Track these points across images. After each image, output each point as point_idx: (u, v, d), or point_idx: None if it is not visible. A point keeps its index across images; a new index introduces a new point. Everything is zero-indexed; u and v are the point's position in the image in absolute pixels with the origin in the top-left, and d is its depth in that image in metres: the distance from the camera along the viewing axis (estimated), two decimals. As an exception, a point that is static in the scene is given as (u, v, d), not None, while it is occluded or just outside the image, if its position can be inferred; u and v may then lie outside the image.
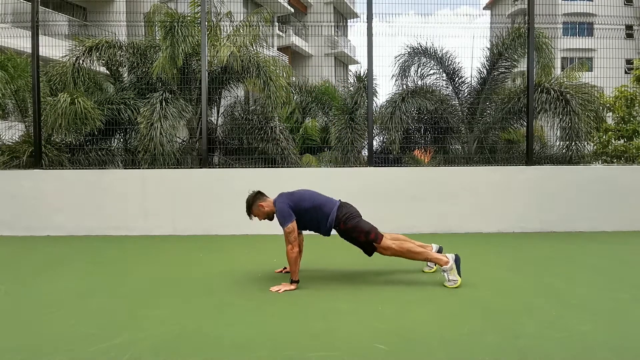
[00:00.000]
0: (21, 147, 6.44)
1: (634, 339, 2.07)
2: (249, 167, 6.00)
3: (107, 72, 7.41)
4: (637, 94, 8.67)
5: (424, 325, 2.26)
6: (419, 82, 7.64)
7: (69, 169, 6.02)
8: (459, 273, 2.98)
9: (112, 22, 9.70)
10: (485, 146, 7.13)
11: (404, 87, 7.53)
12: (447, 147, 7.26)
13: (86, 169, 5.98)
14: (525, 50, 6.35)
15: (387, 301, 2.67)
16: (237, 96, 7.78)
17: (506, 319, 2.34)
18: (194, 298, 2.78)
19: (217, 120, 7.44)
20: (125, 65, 7.43)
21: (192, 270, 3.56)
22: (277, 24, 18.33)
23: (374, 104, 6.36)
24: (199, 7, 6.37)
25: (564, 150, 6.66)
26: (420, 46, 7.52)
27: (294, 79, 8.84)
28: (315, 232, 3.16)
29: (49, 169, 5.85)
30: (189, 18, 6.66)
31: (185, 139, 7.16)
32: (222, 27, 7.49)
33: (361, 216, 3.13)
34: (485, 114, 7.50)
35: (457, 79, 7.58)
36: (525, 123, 6.14)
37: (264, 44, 7.64)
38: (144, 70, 7.13)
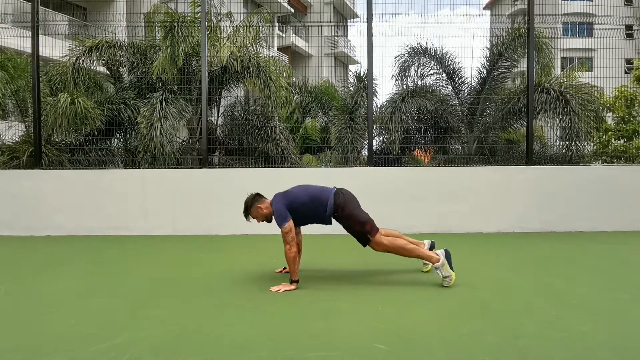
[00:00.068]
0: (21, 147, 6.44)
1: (634, 339, 2.07)
2: (249, 167, 6.00)
3: (107, 72, 7.41)
4: (637, 94, 8.67)
5: (424, 325, 2.26)
6: (419, 82, 7.64)
7: (69, 169, 6.02)
8: (451, 267, 2.98)
9: (112, 22, 9.72)
10: (485, 146, 7.13)
11: (404, 87, 7.53)
12: (447, 147, 7.26)
13: (86, 169, 5.98)
14: (525, 50, 6.35)
15: (387, 301, 2.67)
16: (237, 96, 7.78)
17: (506, 319, 2.34)
18: (194, 298, 2.78)
19: (217, 120, 7.44)
20: (125, 65, 7.43)
21: (192, 270, 3.56)
22: (277, 24, 18.34)
23: (374, 104, 6.36)
24: (199, 7, 6.37)
25: (564, 150, 6.66)
26: (420, 46, 7.52)
27: (294, 79, 8.84)
28: (317, 223, 3.15)
29: (49, 169, 5.85)
30: (189, 18, 6.66)
31: (185, 139, 7.16)
32: (222, 27, 7.49)
33: (359, 205, 3.13)
34: (485, 114, 7.50)
35: (457, 79, 7.58)
36: (525, 123, 6.14)
37: (264, 44, 7.64)
38: (144, 70, 7.13)
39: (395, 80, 7.64)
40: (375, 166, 5.66)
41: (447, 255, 3.01)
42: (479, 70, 7.50)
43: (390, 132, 6.72)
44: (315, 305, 2.61)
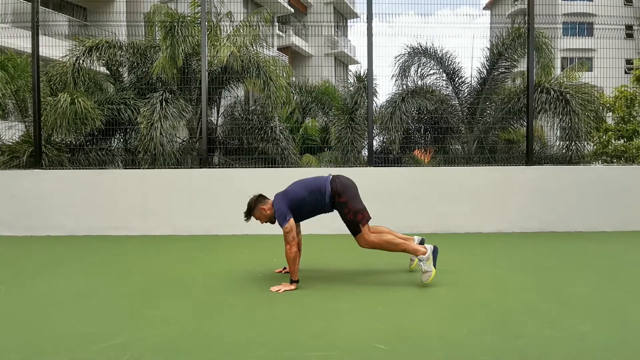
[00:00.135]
0: (21, 147, 6.44)
1: (634, 339, 2.07)
2: (249, 167, 6.00)
3: (107, 72, 7.41)
4: (637, 94, 8.66)
5: (424, 325, 2.26)
6: (419, 82, 7.64)
7: (69, 169, 6.02)
8: (434, 265, 2.98)
9: (112, 22, 9.71)
10: (485, 146, 7.13)
11: (404, 87, 7.53)
12: (447, 147, 7.26)
13: (86, 169, 5.98)
14: (525, 50, 6.35)
15: (387, 301, 2.67)
16: (237, 96, 7.78)
17: (506, 319, 2.34)
18: (194, 298, 2.78)
19: (217, 120, 7.44)
20: (125, 65, 7.43)
21: (192, 270, 3.56)
22: (277, 24, 18.34)
23: (374, 104, 6.37)
24: (199, 7, 6.37)
25: (564, 150, 6.66)
26: (420, 46, 7.52)
27: (294, 79, 8.84)
28: (321, 213, 3.15)
29: (49, 169, 5.85)
30: (189, 18, 6.67)
31: (185, 139, 7.16)
32: (222, 27, 7.49)
33: (357, 194, 3.11)
34: (485, 114, 7.50)
35: (457, 79, 7.58)
36: (525, 123, 6.14)
37: (264, 44, 7.64)
38: (144, 70, 7.14)
39: (395, 80, 7.64)
40: (375, 166, 5.67)
41: (435, 252, 3.02)
42: (479, 70, 7.50)
43: (390, 132, 6.72)
44: (315, 305, 2.61)
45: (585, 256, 4.09)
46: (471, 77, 7.62)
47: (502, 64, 7.38)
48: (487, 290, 2.88)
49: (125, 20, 8.96)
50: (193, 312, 2.51)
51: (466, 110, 7.43)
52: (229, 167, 6.38)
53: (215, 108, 7.42)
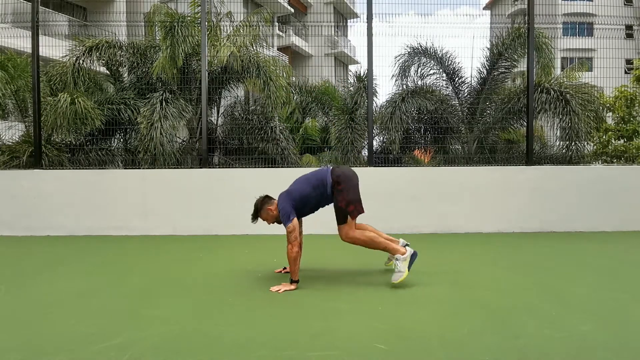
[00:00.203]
0: (21, 147, 6.44)
1: (634, 339, 2.06)
2: (249, 167, 6.00)
3: (107, 72, 7.41)
4: (637, 94, 8.67)
5: (424, 325, 2.26)
6: (419, 82, 7.65)
7: (69, 169, 6.02)
8: (409, 267, 2.98)
9: (112, 22, 9.72)
10: (485, 146, 7.14)
11: (404, 87, 7.54)
12: (447, 147, 7.26)
13: (86, 169, 5.98)
14: (525, 50, 6.35)
15: (387, 301, 2.67)
16: (237, 96, 7.79)
17: (506, 319, 2.34)
18: (194, 298, 2.78)
19: (217, 120, 7.44)
20: (125, 65, 7.44)
21: (192, 270, 3.56)
22: (277, 24, 18.34)
23: (374, 104, 6.37)
24: (199, 7, 6.37)
25: (564, 150, 6.67)
26: (420, 46, 7.53)
27: (294, 79, 8.85)
28: (325, 205, 3.16)
29: (49, 169, 5.85)
30: (189, 18, 6.67)
31: (185, 139, 7.16)
32: (222, 27, 7.49)
33: (357, 186, 3.11)
34: (485, 114, 7.50)
35: (457, 79, 7.58)
36: (525, 123, 6.14)
37: (264, 44, 7.65)
38: (144, 70, 7.14)
39: (395, 80, 7.64)
40: (375, 166, 5.67)
41: (414, 256, 3.03)
42: (479, 70, 7.51)
43: (390, 132, 6.73)
44: (315, 305, 2.61)
45: (585, 256, 4.08)
46: (471, 77, 7.63)
47: (502, 64, 7.38)
48: (487, 290, 2.88)
49: (125, 20, 8.97)
50: (193, 312, 2.51)
51: (466, 110, 7.43)
52: (229, 167, 6.38)
53: (215, 108, 7.42)
